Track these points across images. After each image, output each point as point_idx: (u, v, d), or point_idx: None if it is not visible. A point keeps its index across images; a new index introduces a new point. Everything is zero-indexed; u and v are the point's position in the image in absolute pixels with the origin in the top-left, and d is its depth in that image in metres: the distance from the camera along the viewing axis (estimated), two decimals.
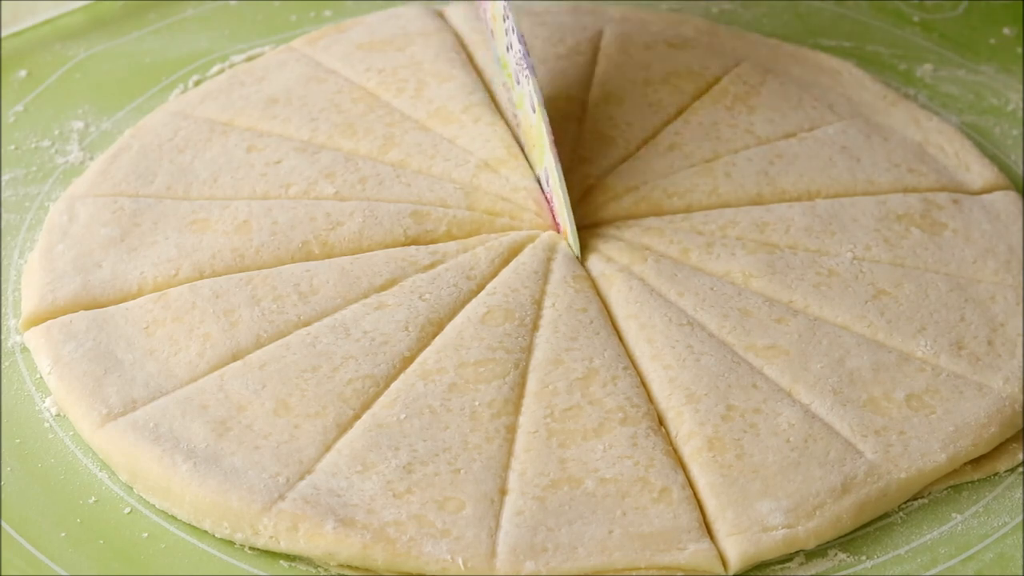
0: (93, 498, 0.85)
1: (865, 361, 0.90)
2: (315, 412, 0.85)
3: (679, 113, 1.06)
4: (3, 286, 0.96)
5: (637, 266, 0.94)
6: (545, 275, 0.94)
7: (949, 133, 1.06)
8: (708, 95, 1.07)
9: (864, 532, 0.84)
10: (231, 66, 1.12)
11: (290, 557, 0.82)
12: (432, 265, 0.94)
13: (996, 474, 0.88)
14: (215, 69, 1.12)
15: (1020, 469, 0.88)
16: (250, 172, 1.00)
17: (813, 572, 0.82)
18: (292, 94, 1.06)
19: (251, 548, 0.82)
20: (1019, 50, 1.17)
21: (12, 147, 1.05)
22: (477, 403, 0.86)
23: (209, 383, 0.87)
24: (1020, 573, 0.82)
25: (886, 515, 0.85)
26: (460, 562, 0.80)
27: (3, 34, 1.13)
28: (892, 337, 0.91)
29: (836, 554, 0.83)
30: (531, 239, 0.97)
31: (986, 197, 1.01)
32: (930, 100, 1.12)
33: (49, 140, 1.06)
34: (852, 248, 0.96)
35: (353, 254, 0.95)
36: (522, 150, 1.03)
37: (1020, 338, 0.92)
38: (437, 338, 0.90)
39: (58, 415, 0.89)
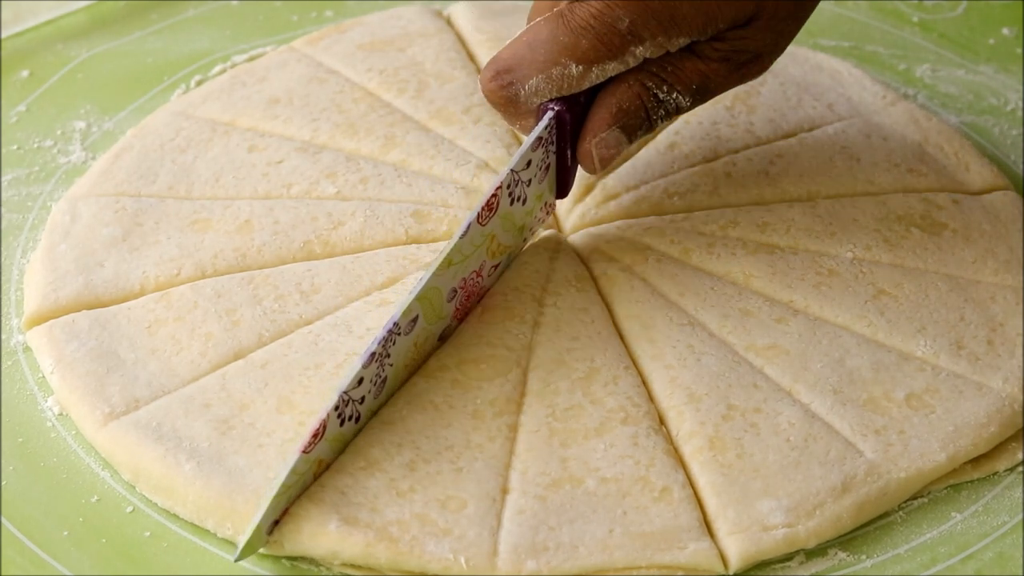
0: (95, 497, 0.85)
1: (865, 361, 0.90)
2: (318, 409, 0.86)
3: None
4: (5, 286, 0.96)
5: (639, 266, 0.95)
6: (547, 274, 0.94)
7: (948, 133, 1.06)
8: None
9: (864, 531, 0.84)
10: (233, 66, 1.12)
11: (292, 556, 0.82)
12: None
13: (996, 473, 0.88)
14: (217, 69, 1.12)
15: (1020, 468, 0.88)
16: (252, 172, 1.00)
17: (813, 571, 0.83)
18: (293, 94, 1.06)
19: None
20: (1018, 50, 1.17)
21: (14, 147, 1.05)
22: (479, 401, 0.86)
23: (211, 382, 0.88)
24: (1020, 573, 0.83)
25: (886, 514, 0.85)
26: (462, 561, 0.80)
27: (5, 34, 1.13)
28: (892, 337, 0.91)
29: (836, 553, 0.83)
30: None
31: (986, 197, 1.01)
32: (929, 100, 1.12)
33: (51, 140, 1.06)
34: (852, 248, 0.96)
35: (355, 253, 0.95)
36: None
37: (1020, 338, 0.92)
38: None
39: (60, 414, 0.89)
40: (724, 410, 0.87)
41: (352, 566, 0.81)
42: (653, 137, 1.03)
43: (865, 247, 0.96)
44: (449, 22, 1.15)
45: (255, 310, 0.91)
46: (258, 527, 0.79)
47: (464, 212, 0.97)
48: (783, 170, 1.01)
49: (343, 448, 0.84)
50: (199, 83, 1.11)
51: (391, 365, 0.85)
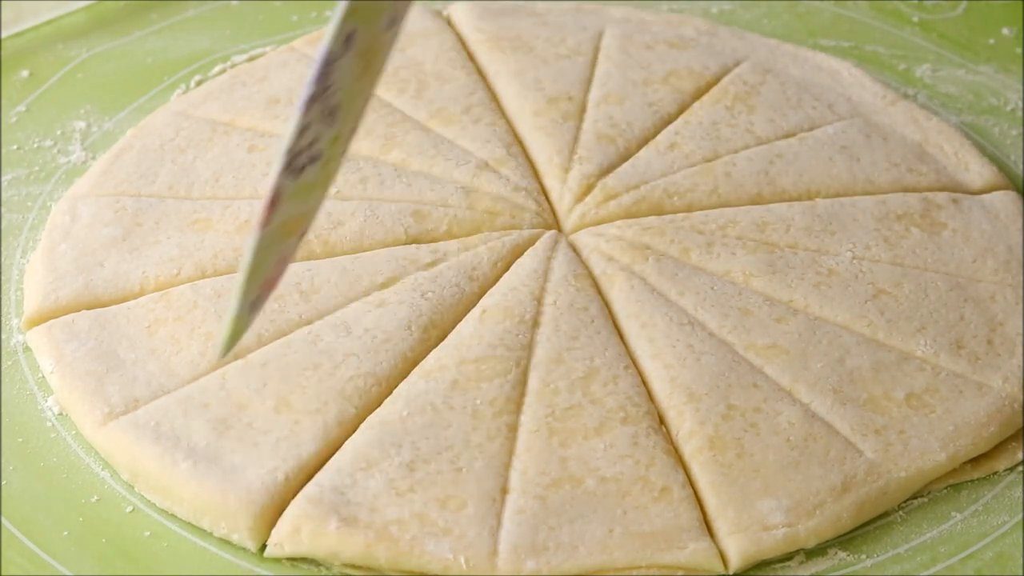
0: (95, 497, 0.85)
1: (865, 360, 0.90)
2: (316, 409, 0.86)
3: (679, 113, 1.06)
4: (5, 286, 0.96)
5: (638, 265, 0.95)
6: (545, 273, 0.94)
7: (948, 133, 1.06)
8: (708, 95, 1.07)
9: (864, 531, 0.85)
10: (233, 66, 1.12)
11: (292, 556, 0.82)
12: (434, 263, 0.94)
13: (995, 473, 0.88)
14: (217, 69, 1.12)
15: (1019, 468, 0.88)
16: (252, 172, 1.00)
17: (813, 571, 0.83)
18: (293, 94, 1.06)
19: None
20: (1018, 50, 1.17)
21: (14, 147, 1.05)
22: (479, 401, 0.86)
23: (210, 382, 0.88)
24: (1020, 572, 0.83)
25: (886, 514, 0.85)
26: (462, 561, 0.80)
27: (5, 34, 1.13)
28: (892, 336, 0.91)
29: (836, 553, 0.83)
30: (532, 238, 0.97)
31: (986, 197, 1.01)
32: (929, 100, 1.12)
33: (51, 140, 1.06)
34: (852, 248, 0.96)
35: (354, 253, 0.95)
36: (522, 149, 1.03)
37: (1020, 337, 0.92)
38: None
39: (60, 414, 0.89)
40: (724, 410, 0.87)
41: (352, 566, 0.81)
42: (653, 138, 1.04)
43: (865, 247, 0.96)
44: (449, 22, 1.15)
45: None
46: (238, 314, 0.76)
47: (464, 212, 0.97)
48: (783, 170, 1.01)
49: (318, 195, 0.78)
50: (199, 83, 1.11)
51: (340, 89, 0.76)
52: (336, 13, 0.74)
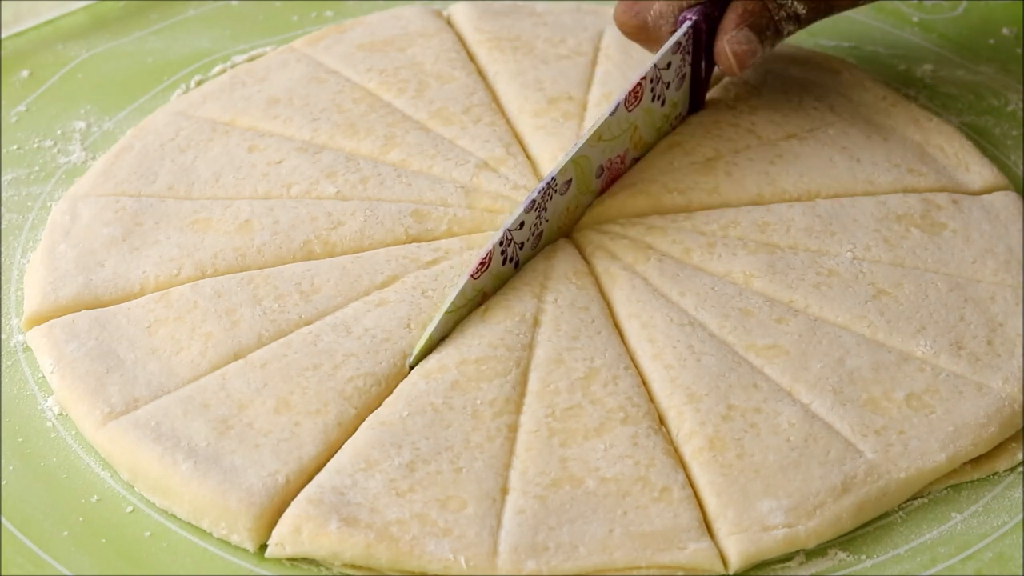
0: (95, 497, 0.85)
1: (865, 361, 0.90)
2: (316, 410, 0.86)
3: None
4: (5, 286, 0.96)
5: (640, 265, 0.95)
6: (546, 272, 0.94)
7: (949, 133, 1.06)
8: (708, 94, 1.07)
9: (864, 531, 0.85)
10: (233, 66, 1.12)
11: (293, 556, 0.82)
12: (435, 262, 0.94)
13: (995, 473, 0.88)
14: (217, 69, 1.12)
15: (1019, 468, 0.88)
16: (252, 172, 1.00)
17: (813, 571, 0.83)
18: (293, 94, 1.06)
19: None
20: (1019, 50, 1.17)
21: (14, 147, 1.05)
22: (479, 401, 0.86)
23: (211, 382, 0.88)
24: (1019, 573, 0.83)
25: (886, 514, 0.85)
26: (462, 561, 0.80)
27: (5, 34, 1.13)
28: (892, 337, 0.91)
29: (836, 553, 0.83)
30: None
31: (986, 197, 1.01)
32: (930, 100, 1.12)
33: (51, 140, 1.06)
34: (852, 248, 0.96)
35: (354, 253, 0.95)
36: (522, 149, 1.03)
37: (1020, 338, 0.92)
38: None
39: (60, 414, 0.89)
40: (724, 410, 0.87)
41: (353, 566, 0.81)
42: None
43: (865, 247, 0.96)
44: (449, 22, 1.15)
45: (255, 310, 0.91)
46: (429, 337, 0.88)
47: (464, 211, 0.97)
48: (783, 170, 1.01)
49: (501, 285, 0.93)
50: (199, 83, 1.11)
51: (547, 220, 0.94)
52: (569, 151, 0.94)
